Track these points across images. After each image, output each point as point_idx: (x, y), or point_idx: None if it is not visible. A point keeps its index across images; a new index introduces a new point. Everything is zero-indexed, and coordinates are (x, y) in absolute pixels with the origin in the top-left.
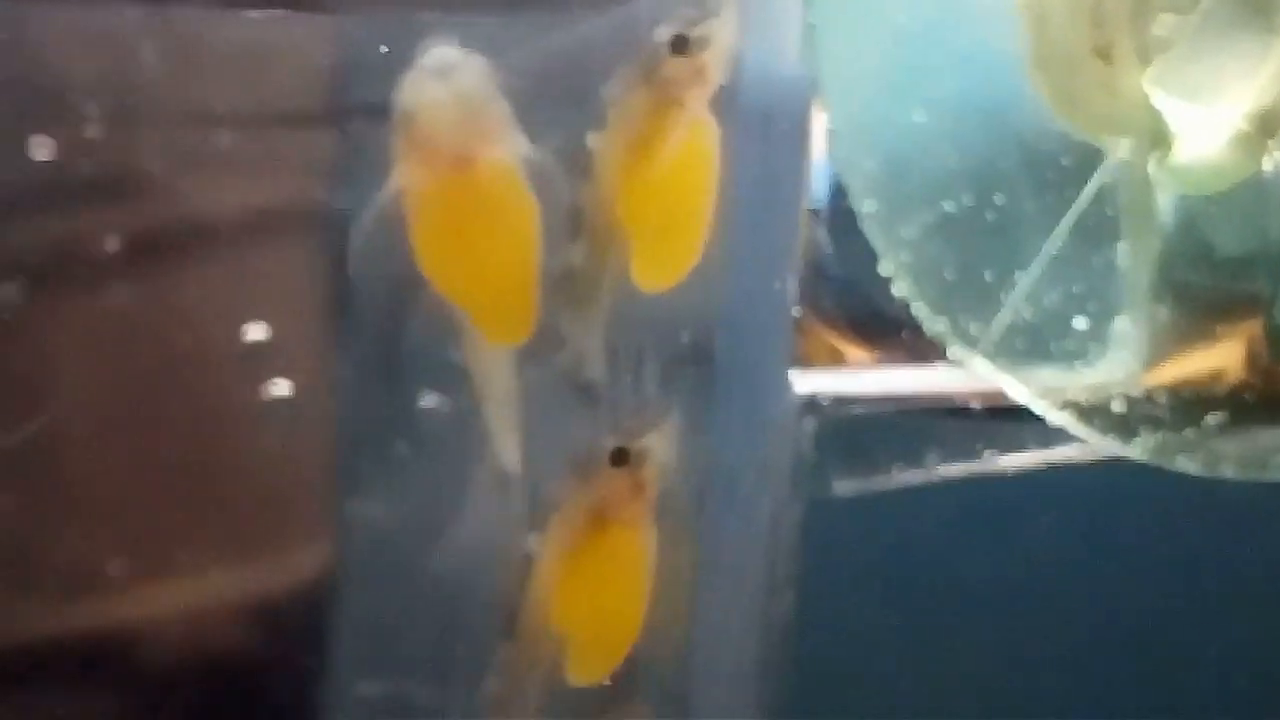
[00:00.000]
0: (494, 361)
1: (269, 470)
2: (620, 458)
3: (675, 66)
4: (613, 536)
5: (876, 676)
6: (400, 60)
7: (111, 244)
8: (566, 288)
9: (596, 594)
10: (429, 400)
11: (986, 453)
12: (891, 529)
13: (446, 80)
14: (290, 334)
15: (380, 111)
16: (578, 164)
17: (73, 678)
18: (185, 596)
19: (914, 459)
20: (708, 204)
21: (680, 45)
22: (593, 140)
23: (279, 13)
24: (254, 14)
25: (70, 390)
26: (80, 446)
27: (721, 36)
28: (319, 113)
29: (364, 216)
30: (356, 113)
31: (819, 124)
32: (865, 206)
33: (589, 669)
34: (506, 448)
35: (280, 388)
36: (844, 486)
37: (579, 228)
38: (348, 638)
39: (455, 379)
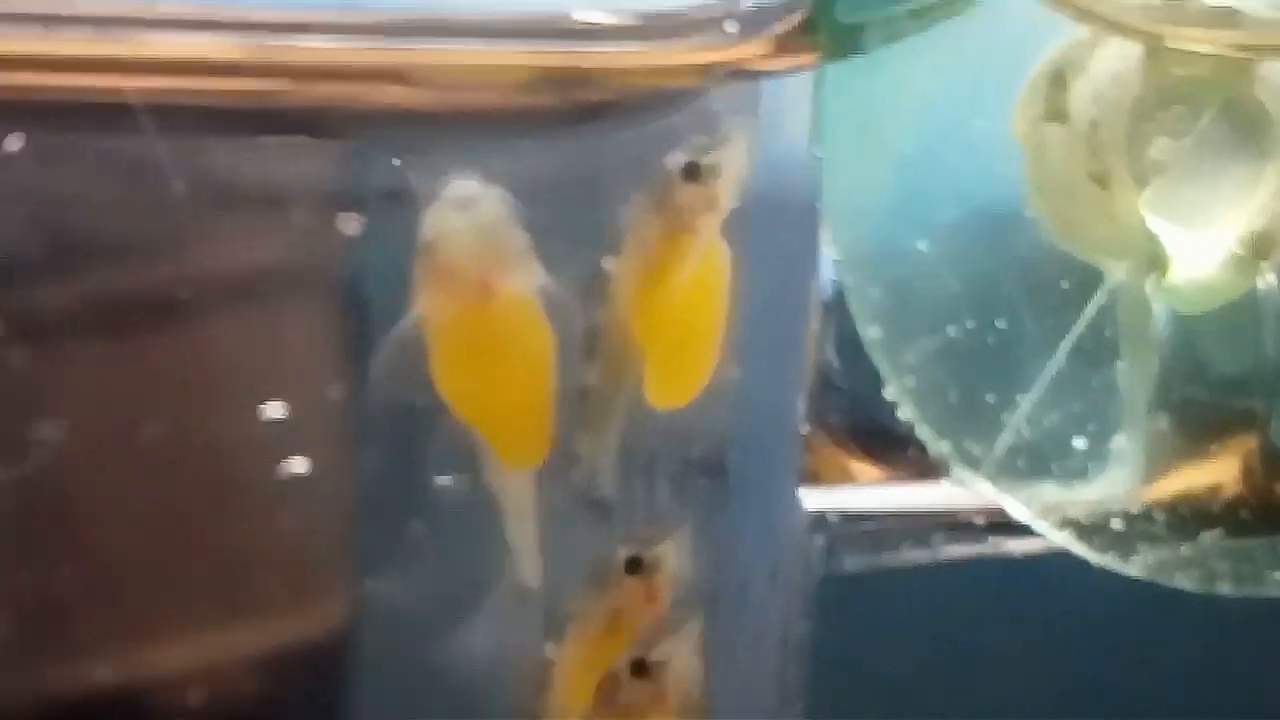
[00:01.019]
0: (512, 482)
1: (284, 547)
2: (634, 566)
3: (688, 194)
4: (627, 644)
5: None
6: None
7: (133, 319)
8: (581, 407)
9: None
10: (445, 479)
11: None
12: (902, 613)
13: (467, 212)
14: (307, 412)
15: (395, 198)
16: (594, 288)
17: None
18: (201, 675)
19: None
20: (719, 325)
21: (693, 173)
22: (608, 264)
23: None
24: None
25: (90, 463)
26: (99, 519)
27: (732, 164)
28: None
29: (385, 343)
30: (374, 199)
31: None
32: (870, 333)
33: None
34: (526, 563)
35: (297, 465)
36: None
37: (594, 349)
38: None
39: (471, 459)
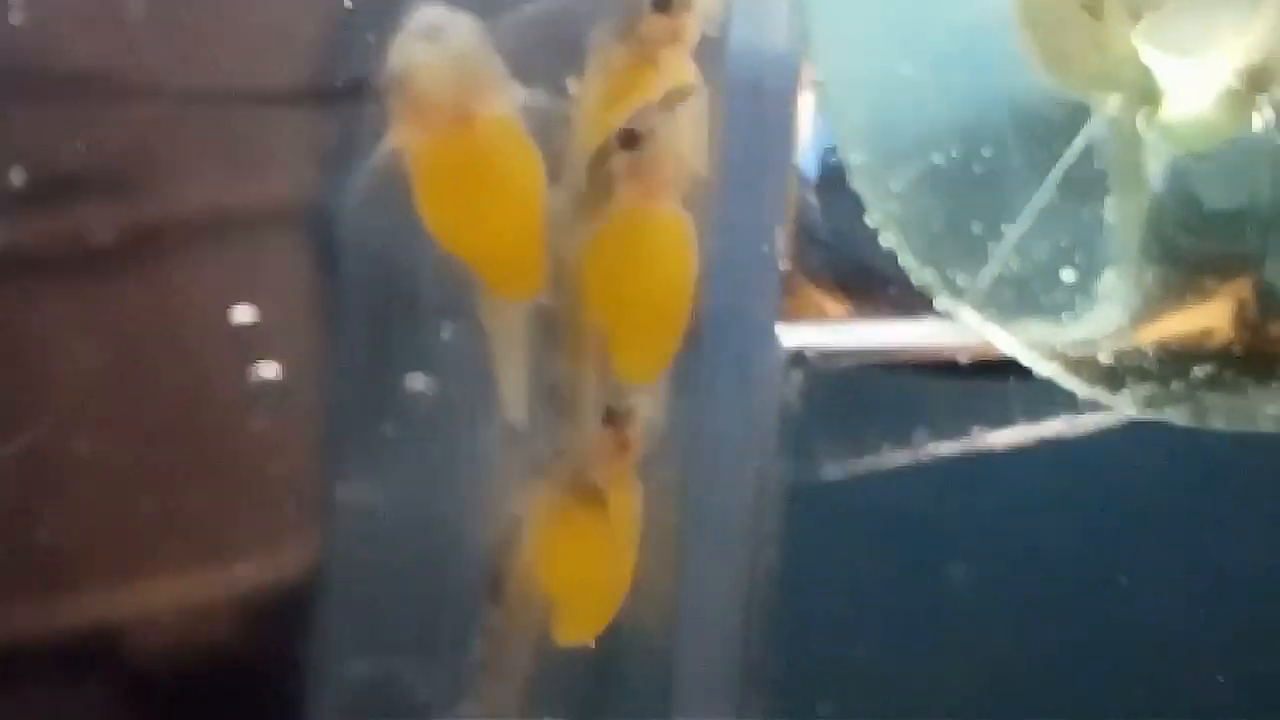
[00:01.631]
0: (503, 317)
1: (258, 452)
2: (608, 417)
3: (654, 24)
4: (599, 497)
5: (862, 635)
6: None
7: (100, 230)
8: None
9: (583, 555)
10: (415, 383)
11: (974, 426)
12: (878, 493)
13: (436, 41)
14: (279, 317)
15: (368, 92)
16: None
17: (63, 672)
18: (173, 583)
19: (901, 415)
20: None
21: (661, 3)
22: (572, 87)
23: None
24: None
25: (57, 381)
26: (71, 459)
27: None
28: (307, 93)
29: (358, 177)
30: (345, 94)
31: (809, 84)
32: (853, 158)
33: (576, 630)
34: (515, 403)
35: (268, 370)
36: (831, 454)
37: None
38: (335, 620)
39: (442, 360)
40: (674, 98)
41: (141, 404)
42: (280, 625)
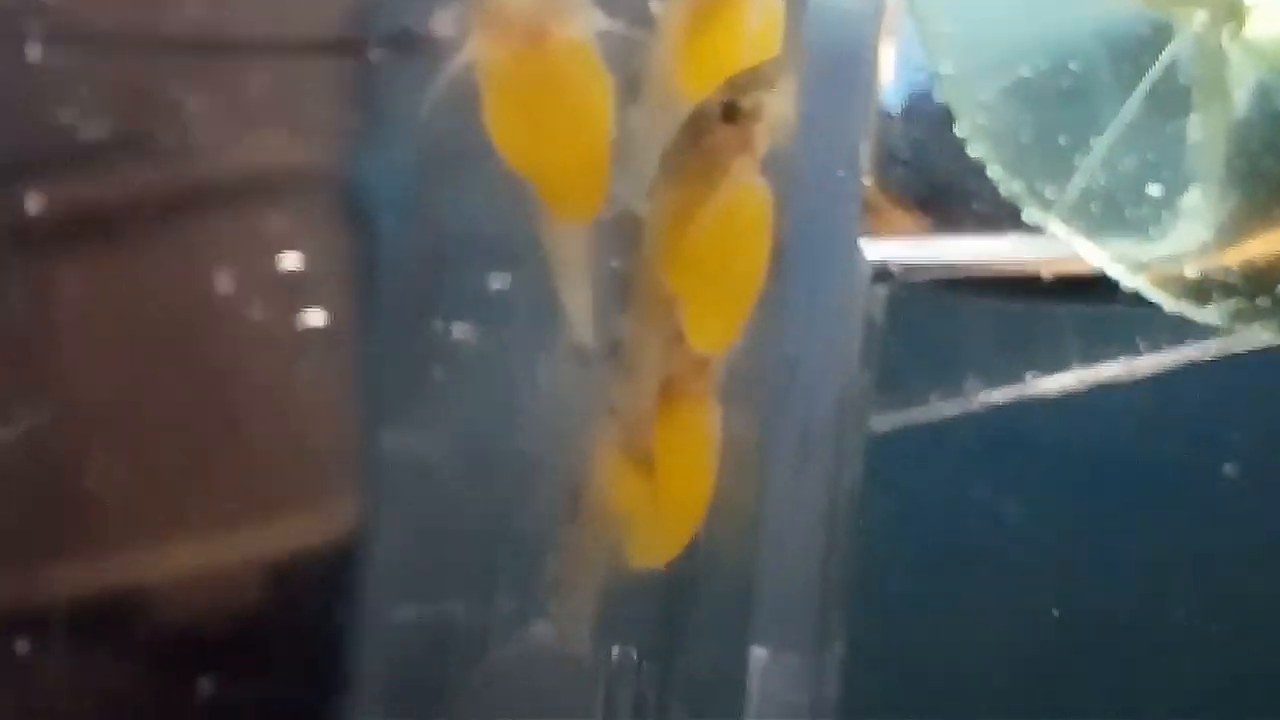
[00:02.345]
0: (566, 237)
1: (300, 407)
2: (730, 112)
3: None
4: (679, 411)
5: (940, 551)
6: None
7: (130, 189)
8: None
9: (659, 474)
10: (461, 331)
11: (1056, 343)
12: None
13: None
14: (323, 265)
15: (406, 42)
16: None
17: (98, 634)
18: (212, 543)
19: (983, 330)
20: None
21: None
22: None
23: None
24: None
25: (92, 366)
26: (104, 420)
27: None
28: (344, 44)
29: (433, 87)
30: (382, 44)
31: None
32: (942, 68)
33: (651, 553)
34: (580, 322)
35: (314, 317)
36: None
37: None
38: (384, 570)
39: (489, 304)
40: (775, 71)
41: (177, 364)
42: (328, 578)
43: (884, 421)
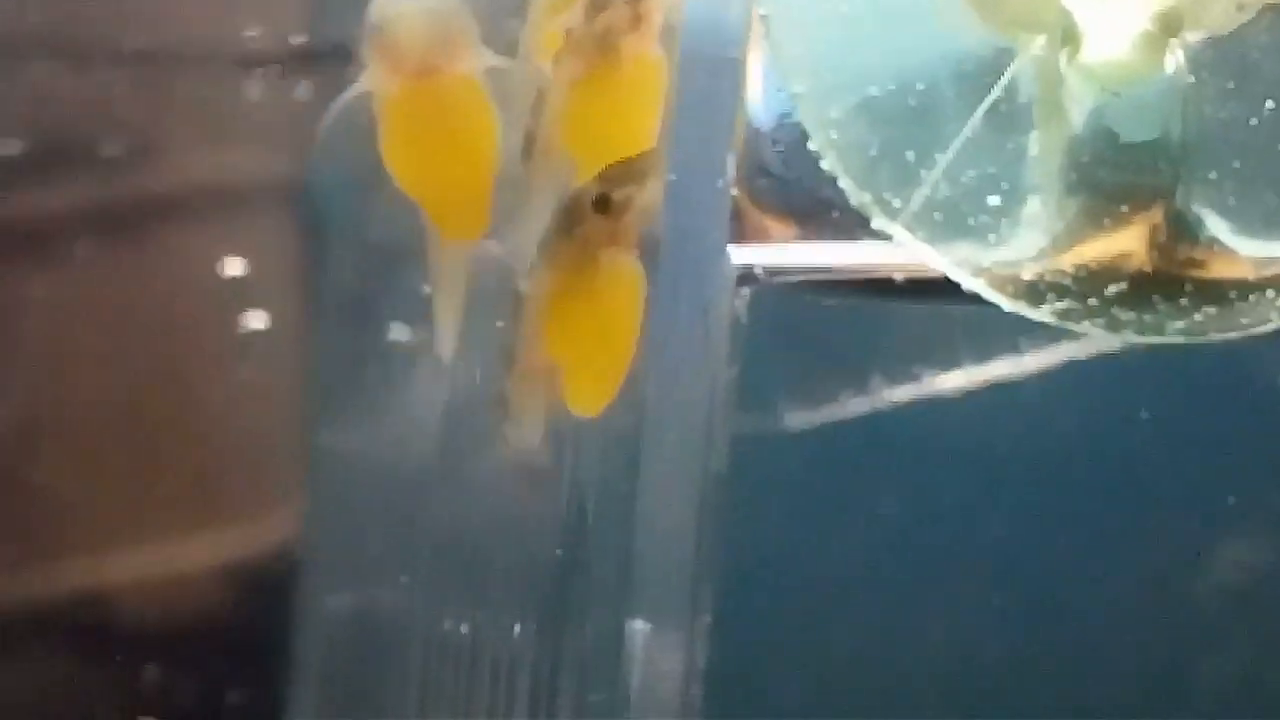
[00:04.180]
0: (448, 255)
1: (243, 410)
2: (602, 204)
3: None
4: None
5: (801, 544)
6: None
7: (81, 198)
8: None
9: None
10: (397, 332)
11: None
12: (818, 401)
13: None
14: (265, 269)
15: (346, 56)
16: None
17: (53, 639)
18: (161, 548)
19: (840, 327)
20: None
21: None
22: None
23: None
24: None
25: (41, 349)
26: (61, 425)
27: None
28: (288, 54)
29: (329, 115)
30: (323, 56)
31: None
32: (795, 88)
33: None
34: (444, 337)
35: (256, 320)
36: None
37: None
38: (318, 556)
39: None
40: (649, 163)
41: (126, 370)
42: (269, 581)
43: (746, 419)
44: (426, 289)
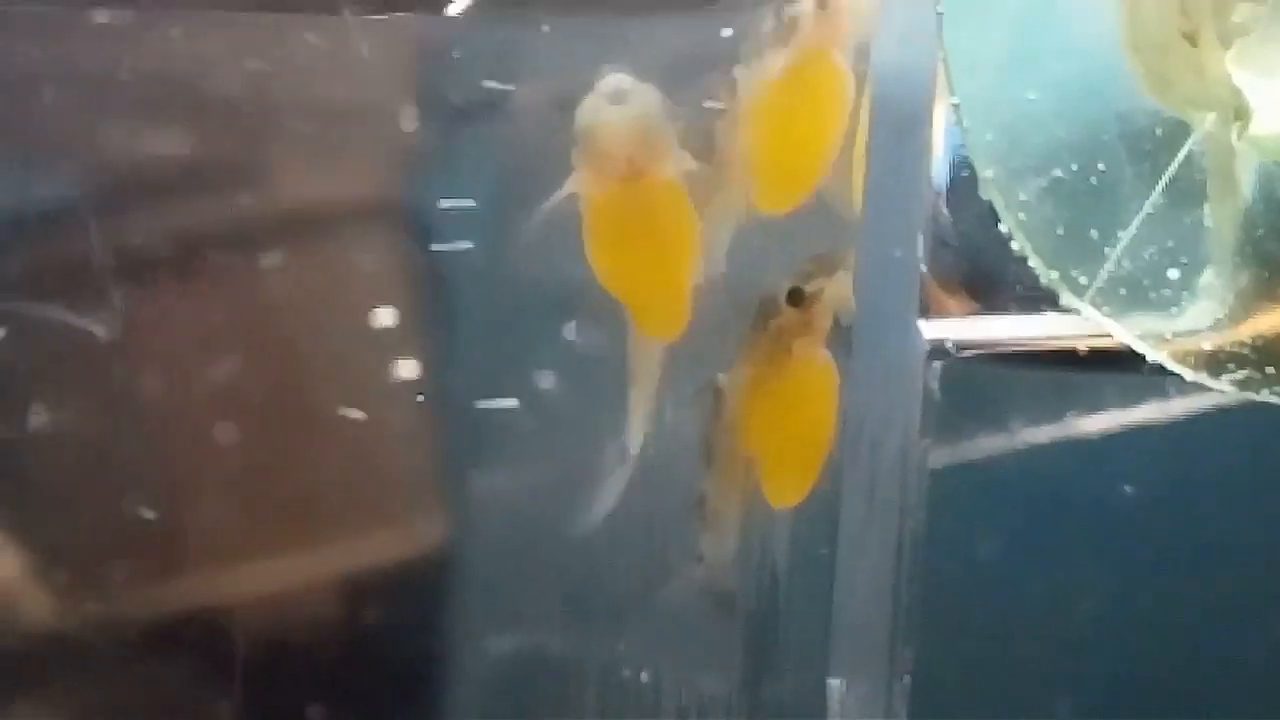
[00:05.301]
0: (646, 352)
1: (392, 449)
2: (795, 297)
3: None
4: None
5: (997, 607)
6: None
7: (237, 235)
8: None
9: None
10: (545, 380)
11: (1090, 409)
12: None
13: (621, 104)
14: (413, 318)
15: (481, 110)
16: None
17: (182, 653)
18: (308, 570)
19: (1026, 399)
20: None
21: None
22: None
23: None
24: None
25: (196, 373)
26: (184, 442)
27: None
28: (421, 111)
29: (536, 216)
30: (468, 111)
31: (941, 107)
32: (985, 172)
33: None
34: (634, 429)
35: (407, 369)
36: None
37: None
38: (470, 599)
39: (569, 358)
40: (837, 258)
41: (264, 391)
42: (410, 604)
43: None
44: (569, 337)
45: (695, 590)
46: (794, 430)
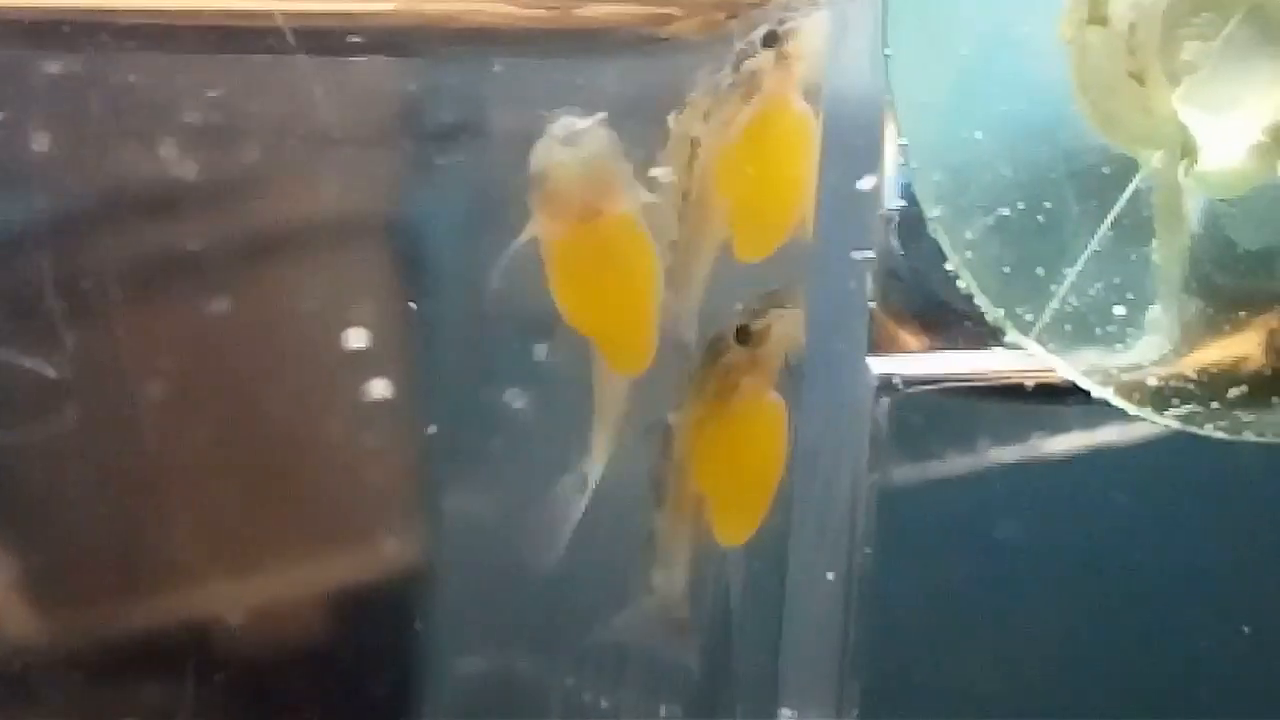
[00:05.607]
0: (611, 386)
1: (361, 478)
2: (743, 335)
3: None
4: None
5: (946, 642)
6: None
7: (216, 253)
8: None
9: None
10: (516, 399)
11: (1034, 434)
12: (956, 498)
13: (573, 145)
14: (387, 338)
15: (451, 135)
16: None
17: (166, 668)
18: (280, 588)
19: (973, 433)
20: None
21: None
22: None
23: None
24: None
25: (173, 392)
26: (183, 444)
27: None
28: (402, 136)
29: (499, 261)
30: (436, 136)
31: (891, 144)
32: (932, 211)
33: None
34: (597, 458)
35: (379, 389)
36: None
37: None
38: (441, 618)
39: (540, 377)
40: (786, 295)
41: (244, 410)
42: (379, 622)
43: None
44: (539, 356)
45: (647, 620)
46: (741, 469)
